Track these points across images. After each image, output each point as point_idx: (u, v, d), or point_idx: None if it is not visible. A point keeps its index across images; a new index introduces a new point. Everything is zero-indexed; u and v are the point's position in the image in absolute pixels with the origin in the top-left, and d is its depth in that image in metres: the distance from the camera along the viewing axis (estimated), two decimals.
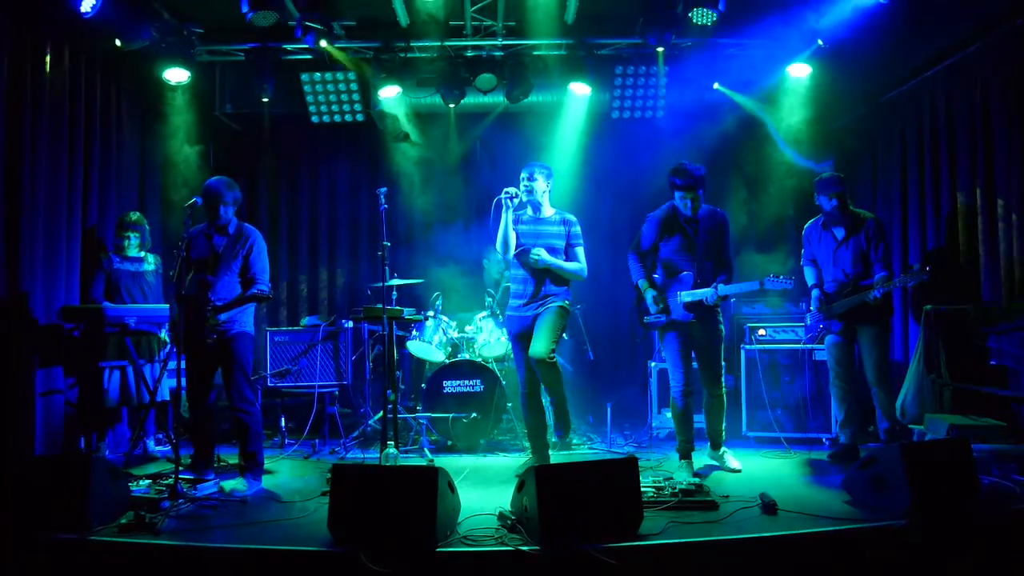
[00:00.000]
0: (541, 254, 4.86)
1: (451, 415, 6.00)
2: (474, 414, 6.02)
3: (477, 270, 7.36)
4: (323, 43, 6.56)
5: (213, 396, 4.86)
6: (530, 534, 3.41)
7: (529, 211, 5.05)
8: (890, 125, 6.91)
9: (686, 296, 4.99)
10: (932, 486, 3.60)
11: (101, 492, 3.70)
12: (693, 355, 5.15)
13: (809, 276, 5.66)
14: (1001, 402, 5.11)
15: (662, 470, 5.06)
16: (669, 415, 5.95)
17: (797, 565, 3.40)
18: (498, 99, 7.38)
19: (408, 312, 5.48)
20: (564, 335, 5.30)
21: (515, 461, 5.47)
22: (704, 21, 5.98)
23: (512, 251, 4.92)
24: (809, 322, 5.65)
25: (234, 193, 4.75)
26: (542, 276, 4.92)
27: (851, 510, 3.86)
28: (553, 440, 5.14)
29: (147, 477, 4.71)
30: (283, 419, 6.44)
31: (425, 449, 5.85)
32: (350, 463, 5.35)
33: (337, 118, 7.60)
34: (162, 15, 6.30)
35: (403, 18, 6.58)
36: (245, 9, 5.80)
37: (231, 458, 5.29)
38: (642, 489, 3.65)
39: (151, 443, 5.88)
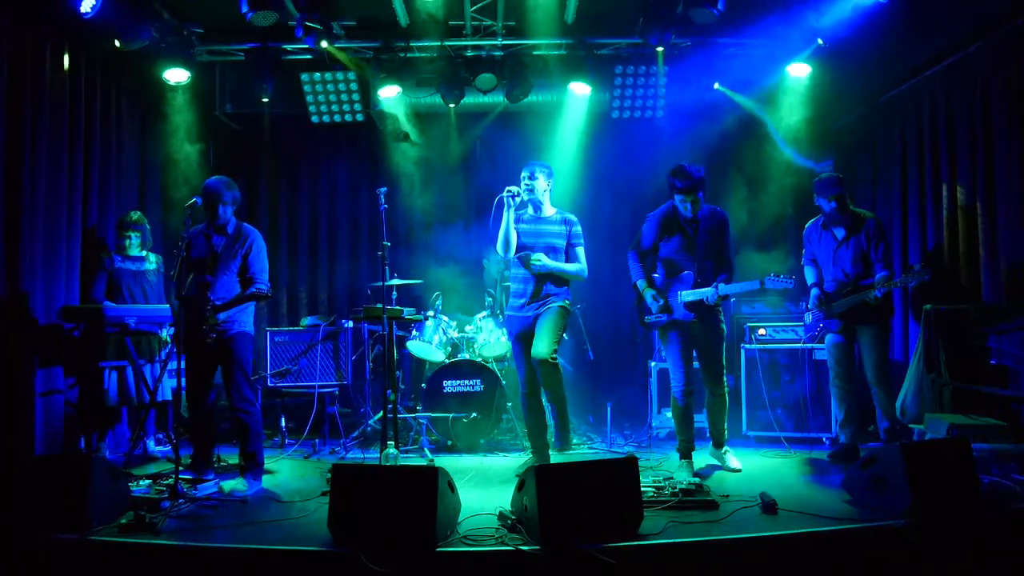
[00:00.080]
0: (542, 259, 4.84)
1: (451, 415, 6.00)
2: (474, 414, 6.02)
3: (477, 270, 7.36)
4: (323, 43, 6.56)
5: (213, 396, 4.85)
6: (530, 534, 3.41)
7: (530, 210, 5.04)
8: (890, 125, 6.90)
9: (687, 295, 4.99)
10: (932, 486, 3.59)
11: (101, 492, 3.70)
12: (694, 354, 5.15)
13: (810, 275, 5.66)
14: (1001, 402, 5.11)
15: (662, 470, 5.06)
16: (669, 415, 5.95)
17: (797, 565, 3.40)
18: (498, 99, 7.38)
19: (408, 312, 5.48)
20: (564, 335, 5.29)
21: (515, 461, 5.47)
22: (704, 20, 5.98)
23: (513, 250, 4.91)
24: (808, 321, 5.65)
25: (233, 193, 4.75)
26: (542, 276, 4.92)
27: (851, 510, 3.86)
28: (551, 440, 5.14)
29: (147, 477, 4.71)
30: (283, 419, 6.44)
31: (425, 449, 5.85)
32: (350, 463, 5.35)
33: (337, 118, 7.60)
34: (162, 15, 6.30)
35: (403, 18, 6.58)
36: (245, 9, 5.80)
37: (231, 458, 5.29)
38: (642, 489, 3.65)
39: (151, 443, 5.88)
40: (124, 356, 5.57)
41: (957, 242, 5.87)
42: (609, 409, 6.19)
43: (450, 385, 6.09)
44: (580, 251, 5.02)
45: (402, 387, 6.92)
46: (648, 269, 5.22)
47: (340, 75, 7.28)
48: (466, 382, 6.10)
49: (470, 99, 7.29)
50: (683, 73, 7.11)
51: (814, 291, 5.56)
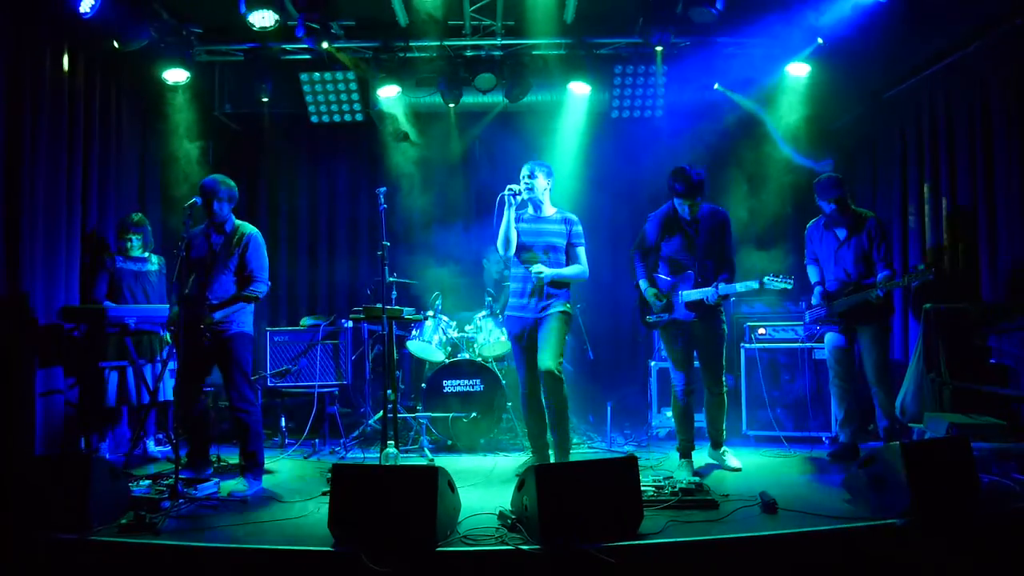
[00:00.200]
0: (543, 270, 4.82)
1: (451, 415, 6.00)
2: (474, 413, 6.02)
3: (477, 270, 7.36)
4: (324, 44, 6.56)
5: (205, 401, 4.85)
6: (530, 533, 3.41)
7: (530, 210, 5.03)
8: (890, 124, 6.91)
9: (687, 295, 4.99)
10: (932, 485, 3.59)
11: (101, 492, 3.69)
12: (695, 354, 5.15)
13: (812, 275, 5.66)
14: (1001, 401, 5.10)
15: (662, 469, 5.07)
16: (669, 414, 5.96)
17: (797, 564, 3.40)
18: (497, 99, 7.39)
19: (408, 312, 5.48)
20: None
21: (515, 460, 5.47)
22: (703, 20, 5.98)
23: (513, 248, 4.90)
24: (808, 320, 5.66)
25: (229, 190, 4.75)
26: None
27: (851, 509, 3.86)
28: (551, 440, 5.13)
29: (147, 477, 4.70)
30: (283, 419, 6.44)
31: (425, 449, 5.85)
32: (350, 463, 5.35)
33: (336, 118, 7.61)
34: (161, 15, 6.30)
35: (402, 18, 6.58)
36: (243, 10, 5.80)
37: (231, 458, 5.29)
38: (642, 488, 3.64)
39: (151, 443, 5.88)
40: (124, 356, 5.57)
41: (957, 241, 5.87)
42: (609, 409, 6.19)
43: (450, 385, 6.09)
44: (581, 251, 5.00)
45: (402, 387, 6.92)
46: (650, 269, 5.22)
47: (339, 75, 7.29)
48: (466, 382, 6.10)
49: (469, 99, 7.29)
50: (683, 73, 7.11)
51: (817, 289, 5.56)
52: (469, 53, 7.13)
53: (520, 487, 3.64)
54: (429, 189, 7.92)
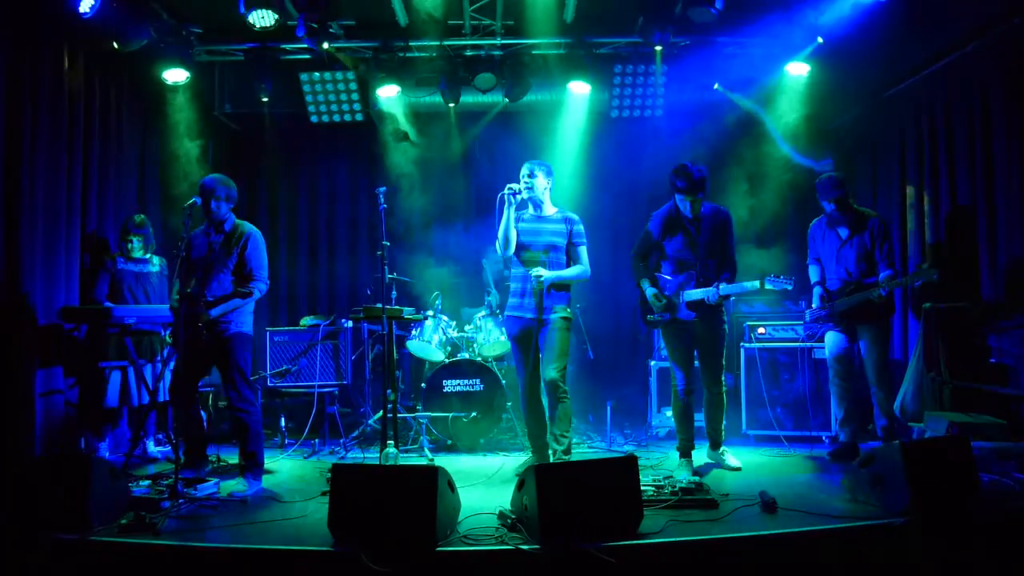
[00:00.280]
0: (542, 274, 4.79)
1: (451, 414, 6.00)
2: (474, 413, 6.02)
3: (477, 269, 7.36)
4: (325, 45, 6.56)
5: (198, 402, 4.85)
6: (530, 533, 3.41)
7: (530, 209, 5.01)
8: (889, 123, 6.91)
9: (689, 295, 5.00)
10: (931, 484, 3.59)
11: (101, 492, 3.69)
12: (695, 353, 5.15)
13: (813, 274, 5.67)
14: (1001, 400, 5.10)
15: (662, 469, 5.07)
16: (669, 414, 5.96)
17: (797, 563, 3.40)
18: (497, 98, 7.39)
19: (408, 312, 5.48)
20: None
21: (515, 460, 5.47)
22: (703, 19, 5.98)
23: (512, 248, 4.89)
24: (808, 319, 5.66)
25: (228, 190, 4.75)
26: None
27: (851, 508, 3.86)
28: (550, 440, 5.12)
29: (147, 477, 4.70)
30: (283, 419, 6.44)
31: (425, 448, 5.85)
32: (350, 463, 5.35)
33: (336, 118, 7.62)
34: (161, 15, 6.30)
35: (402, 18, 6.58)
36: (243, 9, 5.80)
37: (231, 458, 5.29)
38: (642, 488, 3.64)
39: (151, 444, 5.88)
40: (124, 356, 5.57)
41: (956, 240, 5.87)
42: (609, 408, 6.19)
43: (450, 384, 6.09)
44: (582, 251, 4.98)
45: (402, 387, 6.92)
46: (651, 268, 5.22)
47: (339, 75, 7.29)
48: (466, 381, 6.10)
49: (469, 98, 7.29)
50: (682, 72, 7.12)
51: (817, 289, 5.57)
52: (469, 53, 7.13)
53: (520, 487, 3.64)
54: (429, 189, 7.93)
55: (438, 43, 6.94)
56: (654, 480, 4.26)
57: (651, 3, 6.35)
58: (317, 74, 7.28)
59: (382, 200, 5.00)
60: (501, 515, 3.70)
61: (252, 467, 4.68)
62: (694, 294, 4.98)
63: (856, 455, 5.10)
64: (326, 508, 3.44)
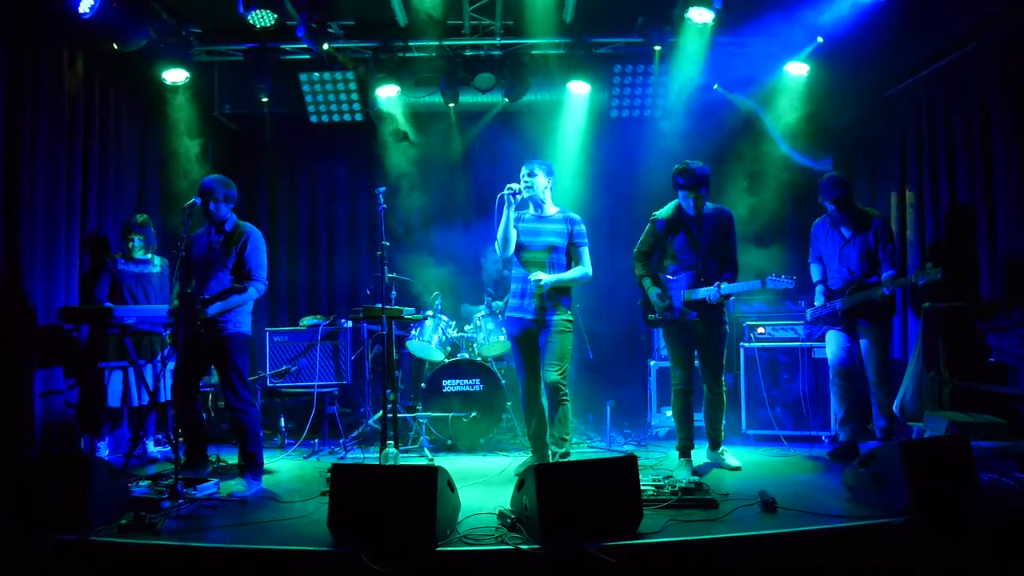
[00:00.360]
0: (542, 279, 4.76)
1: (451, 414, 6.00)
2: (474, 413, 6.02)
3: (476, 269, 7.36)
4: (325, 46, 6.57)
5: (200, 403, 4.85)
6: (530, 533, 3.41)
7: (531, 209, 4.98)
8: (889, 122, 6.91)
9: (690, 294, 5.00)
10: (931, 483, 3.59)
11: (101, 492, 3.69)
12: (695, 353, 5.15)
13: (815, 273, 5.68)
14: (1001, 399, 5.10)
15: (662, 468, 5.07)
16: (668, 413, 5.96)
17: (796, 563, 3.40)
18: (497, 98, 7.38)
19: (407, 312, 5.48)
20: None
21: (515, 460, 5.47)
22: (702, 20, 5.99)
23: (512, 249, 4.86)
24: (809, 317, 5.66)
25: (227, 190, 4.75)
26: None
27: (850, 508, 3.86)
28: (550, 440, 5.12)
29: (147, 478, 4.70)
30: (283, 419, 6.44)
31: (425, 448, 5.85)
32: (350, 463, 5.36)
33: (336, 118, 7.62)
34: (160, 15, 6.30)
35: (401, 18, 6.58)
36: (242, 10, 5.80)
37: (231, 458, 5.29)
38: (642, 487, 3.64)
39: (150, 444, 5.88)
40: (124, 357, 5.57)
41: (956, 240, 5.87)
42: (608, 408, 6.19)
43: (450, 384, 6.09)
44: (584, 251, 4.94)
45: (401, 387, 6.92)
46: (653, 267, 5.22)
47: (339, 75, 7.29)
48: (466, 381, 6.10)
49: (469, 98, 7.29)
50: (682, 72, 7.10)
51: (819, 288, 5.57)
52: (468, 53, 7.13)
53: (520, 487, 3.64)
54: (429, 189, 7.93)
55: (437, 43, 6.94)
56: (654, 480, 4.26)
57: (650, 3, 6.35)
58: (317, 74, 7.28)
59: (382, 200, 5.00)
60: (501, 515, 3.70)
61: (252, 467, 4.68)
62: (696, 293, 4.98)
63: (856, 455, 5.10)
64: (326, 508, 3.44)
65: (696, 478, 4.43)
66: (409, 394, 7.10)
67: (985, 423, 4.79)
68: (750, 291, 4.94)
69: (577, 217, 4.98)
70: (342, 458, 5.77)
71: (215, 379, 5.02)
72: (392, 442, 4.83)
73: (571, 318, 4.92)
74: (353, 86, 7.36)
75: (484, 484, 4.78)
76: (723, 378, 5.15)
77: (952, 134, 5.96)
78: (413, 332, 6.35)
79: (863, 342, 5.38)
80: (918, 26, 5.84)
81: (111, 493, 3.81)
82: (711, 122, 7.43)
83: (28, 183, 5.23)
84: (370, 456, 5.69)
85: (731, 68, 7.03)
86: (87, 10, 5.29)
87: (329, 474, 3.66)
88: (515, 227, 4.87)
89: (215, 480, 4.59)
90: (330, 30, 6.61)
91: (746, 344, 6.25)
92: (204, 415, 4.85)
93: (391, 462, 4.66)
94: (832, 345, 5.51)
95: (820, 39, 6.28)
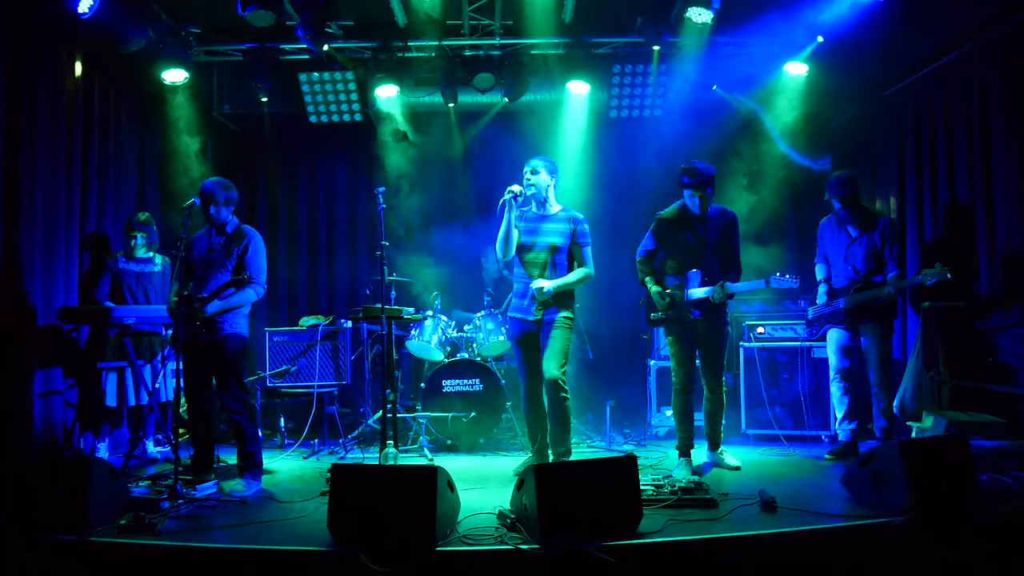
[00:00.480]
0: (543, 286, 4.72)
1: (451, 414, 6.00)
2: (473, 413, 6.02)
3: (476, 269, 7.36)
4: (325, 47, 6.57)
5: (211, 405, 4.85)
6: (530, 533, 3.41)
7: (533, 207, 4.92)
8: (888, 122, 6.91)
9: (693, 293, 5.01)
10: (931, 483, 3.59)
11: (101, 493, 3.69)
12: (696, 353, 5.15)
13: (819, 272, 5.68)
14: (1000, 399, 5.11)
15: (661, 468, 5.07)
16: (668, 413, 5.96)
17: (796, 562, 3.40)
18: (496, 98, 7.38)
19: (407, 312, 5.47)
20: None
21: (515, 460, 5.46)
22: (701, 20, 5.99)
23: (511, 253, 4.83)
24: (811, 316, 5.67)
25: (227, 193, 4.75)
26: (546, 276, 4.81)
27: (850, 507, 3.86)
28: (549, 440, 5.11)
29: (147, 478, 4.71)
30: (282, 419, 6.44)
31: (425, 448, 5.85)
32: (349, 463, 5.35)
33: (335, 118, 7.62)
34: (159, 16, 6.30)
35: (400, 18, 6.58)
36: (241, 10, 5.81)
37: (230, 458, 5.29)
38: (641, 487, 3.64)
39: (150, 444, 5.88)
40: (123, 357, 5.56)
41: (956, 239, 5.88)
42: (608, 408, 6.18)
43: (449, 384, 6.09)
44: (587, 251, 4.88)
45: (401, 387, 6.92)
46: (656, 266, 5.22)
47: (338, 75, 7.29)
48: (465, 381, 6.10)
49: (468, 98, 7.29)
50: (682, 71, 7.11)
51: (822, 287, 5.57)
52: (468, 53, 7.13)
53: (519, 487, 3.63)
54: (428, 189, 7.93)
55: (437, 43, 6.95)
56: (653, 480, 4.26)
57: (650, 3, 6.34)
58: (316, 74, 7.28)
59: (381, 200, 4.99)
60: (501, 515, 3.70)
61: (251, 467, 4.68)
62: (699, 292, 4.99)
63: (855, 454, 5.11)
64: (325, 508, 3.44)
65: (696, 478, 4.43)
66: (409, 394, 7.10)
67: (984, 422, 4.79)
68: (754, 290, 4.94)
69: (580, 216, 4.92)
70: (342, 458, 5.77)
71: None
72: (392, 442, 4.82)
73: (572, 316, 4.88)
74: (352, 86, 7.36)
75: (483, 484, 4.77)
76: (724, 378, 5.15)
77: (952, 133, 5.96)
78: (413, 332, 6.35)
79: (865, 341, 5.38)
80: (917, 25, 5.84)
81: (111, 493, 3.81)
82: (710, 122, 7.42)
83: (28, 183, 5.23)
84: (370, 456, 5.69)
85: (731, 68, 7.03)
86: (86, 10, 5.29)
87: (329, 474, 3.66)
88: (516, 226, 4.83)
89: (214, 480, 4.60)
90: (329, 30, 6.61)
91: (746, 344, 6.25)
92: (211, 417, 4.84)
93: (391, 462, 4.66)
94: (833, 344, 5.51)
95: (820, 38, 6.28)
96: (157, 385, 5.68)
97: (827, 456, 5.38)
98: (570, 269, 4.90)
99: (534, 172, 4.86)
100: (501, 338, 6.24)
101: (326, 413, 6.35)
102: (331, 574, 3.27)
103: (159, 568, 3.37)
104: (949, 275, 4.88)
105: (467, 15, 6.73)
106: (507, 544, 3.34)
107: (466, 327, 6.53)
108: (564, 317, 4.81)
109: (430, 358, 6.42)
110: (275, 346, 6.44)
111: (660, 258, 5.22)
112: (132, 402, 5.74)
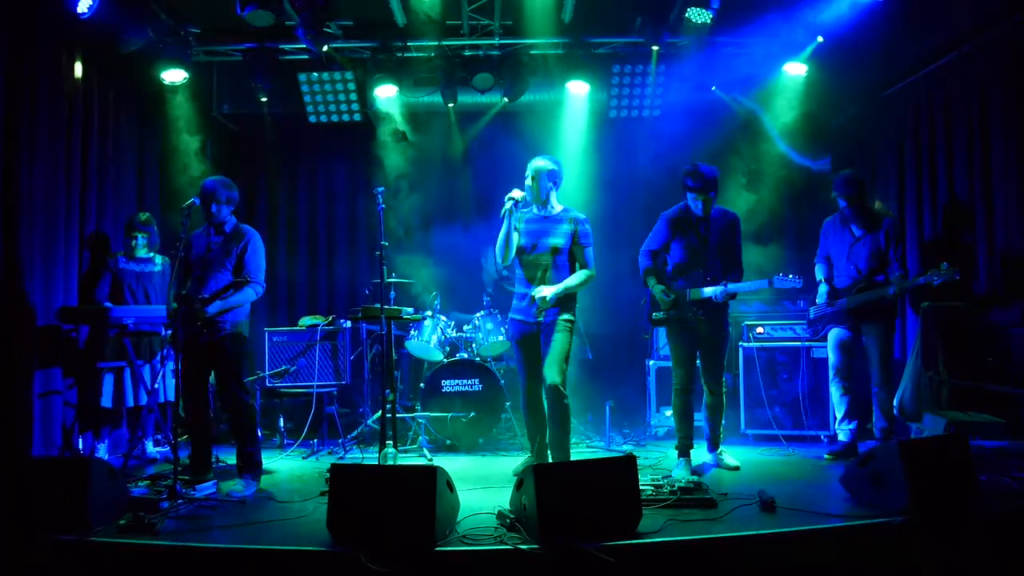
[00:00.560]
0: (546, 294, 4.66)
1: (450, 414, 6.00)
2: (473, 413, 6.02)
3: (475, 269, 7.36)
4: (325, 47, 6.57)
5: (210, 405, 4.85)
6: (529, 533, 3.41)
7: (535, 208, 4.87)
8: (888, 122, 6.91)
9: (696, 293, 5.01)
10: (930, 483, 3.60)
11: (100, 493, 3.69)
12: (697, 352, 5.15)
13: (820, 271, 5.68)
14: (999, 398, 5.11)
15: (661, 468, 5.08)
16: (668, 413, 5.96)
17: (796, 562, 3.40)
18: (496, 98, 7.38)
19: (406, 312, 5.47)
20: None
21: (514, 460, 5.46)
22: (700, 20, 5.99)
23: (511, 257, 4.79)
24: (812, 315, 5.67)
25: (229, 192, 4.75)
26: (547, 277, 4.76)
27: (849, 507, 3.86)
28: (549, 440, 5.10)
29: (146, 478, 4.71)
30: (282, 419, 6.44)
31: (424, 448, 5.85)
32: (349, 463, 5.35)
33: (335, 118, 7.61)
34: (159, 16, 6.30)
35: (400, 18, 6.58)
36: (240, 11, 5.81)
37: (229, 458, 5.29)
38: (641, 487, 3.64)
39: (149, 445, 5.87)
40: (122, 357, 5.56)
41: (955, 239, 5.88)
42: (607, 408, 6.18)
43: (449, 385, 6.09)
44: (590, 252, 4.82)
45: (401, 387, 6.91)
46: (659, 267, 5.23)
47: (337, 75, 7.28)
48: (465, 382, 6.10)
49: (468, 99, 7.29)
50: (681, 72, 7.12)
51: (823, 287, 5.58)
52: (467, 53, 7.13)
53: (519, 487, 3.63)
54: (428, 189, 7.93)
55: (436, 43, 6.95)
56: (653, 480, 4.26)
57: (649, 3, 6.35)
58: (316, 74, 7.28)
59: (380, 200, 4.98)
60: (500, 515, 3.70)
61: (250, 467, 4.68)
62: (701, 292, 4.99)
63: (855, 454, 5.11)
64: (325, 508, 3.44)
65: (695, 478, 4.43)
66: (408, 394, 7.10)
67: (984, 423, 4.80)
68: (756, 291, 4.94)
69: (582, 216, 4.84)
70: (341, 458, 5.77)
71: (213, 379, 5.01)
72: (391, 442, 4.82)
73: (572, 318, 4.81)
74: (352, 86, 7.36)
75: (483, 484, 4.77)
76: (724, 379, 5.16)
77: (951, 134, 5.97)
78: (412, 332, 6.34)
79: (867, 340, 5.38)
80: (917, 25, 5.85)
81: (110, 493, 3.81)
82: (710, 122, 7.43)
83: (27, 183, 5.22)
84: (369, 456, 5.69)
85: (730, 68, 7.03)
86: (85, 10, 5.29)
87: (328, 474, 3.66)
88: (516, 228, 4.79)
89: (214, 480, 4.60)
90: (329, 30, 6.61)
91: (745, 344, 6.25)
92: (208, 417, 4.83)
93: (390, 462, 4.66)
94: (833, 343, 5.51)
95: (820, 39, 6.28)
96: (156, 385, 5.68)
97: (826, 456, 5.38)
98: (571, 270, 4.84)
99: (536, 173, 4.78)
100: (500, 338, 6.24)
101: (325, 413, 6.35)
102: (330, 574, 3.27)
103: (159, 568, 3.37)
104: (957, 275, 4.87)
105: (467, 15, 6.73)
106: (506, 544, 3.34)
107: (465, 327, 6.53)
108: (565, 320, 4.75)
109: (429, 358, 6.42)
110: (274, 346, 6.44)
111: (663, 258, 5.24)
112: (131, 402, 5.74)
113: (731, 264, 5.11)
